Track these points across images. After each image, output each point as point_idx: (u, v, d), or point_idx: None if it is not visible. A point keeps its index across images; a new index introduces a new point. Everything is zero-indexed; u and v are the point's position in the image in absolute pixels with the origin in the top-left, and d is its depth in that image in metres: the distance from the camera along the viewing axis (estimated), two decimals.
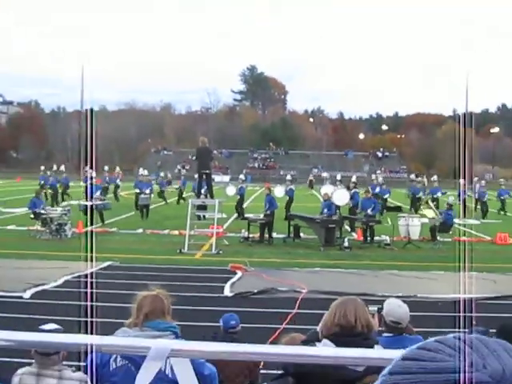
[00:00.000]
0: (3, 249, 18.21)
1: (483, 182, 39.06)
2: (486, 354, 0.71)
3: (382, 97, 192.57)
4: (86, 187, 28.74)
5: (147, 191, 31.77)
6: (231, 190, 34.72)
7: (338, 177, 40.92)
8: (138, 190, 32.62)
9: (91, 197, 27.71)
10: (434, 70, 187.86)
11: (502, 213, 35.43)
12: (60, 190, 37.71)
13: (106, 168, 37.01)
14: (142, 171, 44.11)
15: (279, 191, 32.57)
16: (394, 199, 43.77)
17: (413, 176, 41.30)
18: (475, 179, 38.03)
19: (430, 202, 25.74)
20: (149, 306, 4.37)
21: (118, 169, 46.17)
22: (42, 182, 36.71)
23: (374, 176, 45.42)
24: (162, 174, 47.13)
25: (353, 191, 29.09)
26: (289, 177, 41.63)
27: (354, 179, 36.30)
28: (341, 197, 25.17)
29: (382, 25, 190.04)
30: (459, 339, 0.75)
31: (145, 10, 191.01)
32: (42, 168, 40.77)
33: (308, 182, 66.11)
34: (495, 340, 0.75)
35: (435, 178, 39.82)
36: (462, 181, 34.47)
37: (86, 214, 26.58)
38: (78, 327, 3.51)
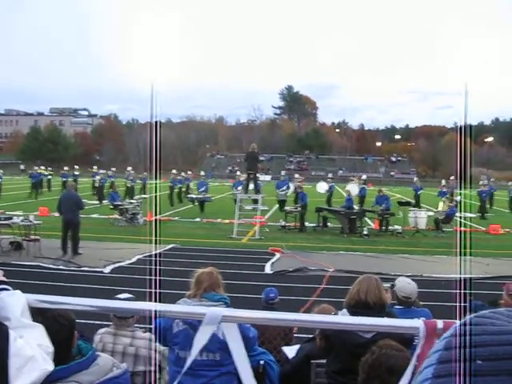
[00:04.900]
0: (88, 233, 18.42)
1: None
2: None
3: (396, 112, 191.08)
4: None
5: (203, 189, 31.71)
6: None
7: (328, 174, 40.98)
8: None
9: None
10: (438, 90, 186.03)
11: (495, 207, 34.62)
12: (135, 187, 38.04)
13: (174, 171, 37.19)
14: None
15: (321, 187, 32.18)
16: (405, 195, 43.33)
17: (415, 179, 40.56)
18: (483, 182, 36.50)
19: (445, 200, 25.51)
20: (207, 281, 4.40)
21: (189, 172, 46.33)
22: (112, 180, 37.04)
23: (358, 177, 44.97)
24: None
25: (361, 186, 30.58)
26: (330, 175, 41.88)
27: (364, 177, 36.84)
28: (351, 190, 25.38)
29: (394, 54, 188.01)
30: (511, 311, 0.72)
31: (203, 42, 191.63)
32: (129, 169, 40.79)
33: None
34: None
35: (452, 178, 38.12)
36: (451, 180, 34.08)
37: (193, 204, 30.68)
38: (147, 297, 3.53)
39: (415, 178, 40.25)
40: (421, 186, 34.19)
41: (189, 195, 32.15)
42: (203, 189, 31.09)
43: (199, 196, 30.53)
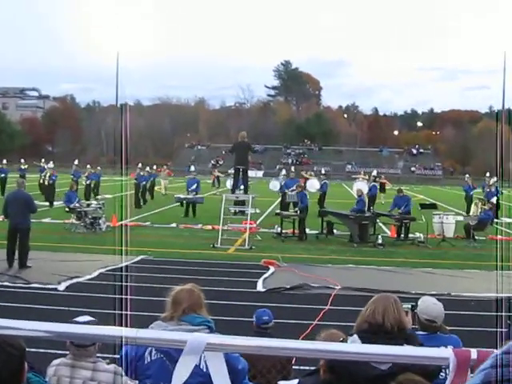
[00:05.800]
0: (39, 242, 18.31)
1: None
2: None
3: (417, 93, 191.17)
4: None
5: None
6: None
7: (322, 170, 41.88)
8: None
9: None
10: (469, 67, 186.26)
11: None
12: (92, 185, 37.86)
13: (140, 165, 37.21)
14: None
15: (312, 185, 32.20)
16: (429, 196, 43.45)
17: (467, 176, 39.26)
18: None
19: (479, 202, 25.56)
20: (187, 301, 4.39)
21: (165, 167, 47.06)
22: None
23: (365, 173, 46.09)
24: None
25: (372, 184, 31.19)
26: (323, 171, 42.05)
27: (374, 173, 37.16)
28: (362, 189, 25.51)
29: (415, 23, 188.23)
30: None
31: (179, 7, 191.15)
32: (76, 162, 40.95)
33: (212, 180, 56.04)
34: None
35: (494, 179, 37.46)
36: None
37: (182, 206, 30.23)
38: (112, 320, 3.53)
39: (467, 176, 39.29)
40: (474, 185, 33.80)
41: (176, 195, 31.61)
42: (194, 187, 30.66)
43: (189, 196, 30.12)
